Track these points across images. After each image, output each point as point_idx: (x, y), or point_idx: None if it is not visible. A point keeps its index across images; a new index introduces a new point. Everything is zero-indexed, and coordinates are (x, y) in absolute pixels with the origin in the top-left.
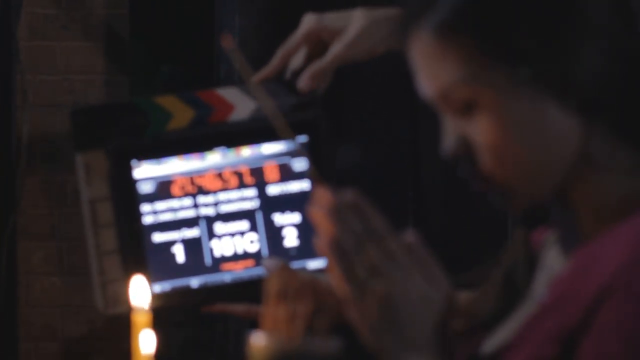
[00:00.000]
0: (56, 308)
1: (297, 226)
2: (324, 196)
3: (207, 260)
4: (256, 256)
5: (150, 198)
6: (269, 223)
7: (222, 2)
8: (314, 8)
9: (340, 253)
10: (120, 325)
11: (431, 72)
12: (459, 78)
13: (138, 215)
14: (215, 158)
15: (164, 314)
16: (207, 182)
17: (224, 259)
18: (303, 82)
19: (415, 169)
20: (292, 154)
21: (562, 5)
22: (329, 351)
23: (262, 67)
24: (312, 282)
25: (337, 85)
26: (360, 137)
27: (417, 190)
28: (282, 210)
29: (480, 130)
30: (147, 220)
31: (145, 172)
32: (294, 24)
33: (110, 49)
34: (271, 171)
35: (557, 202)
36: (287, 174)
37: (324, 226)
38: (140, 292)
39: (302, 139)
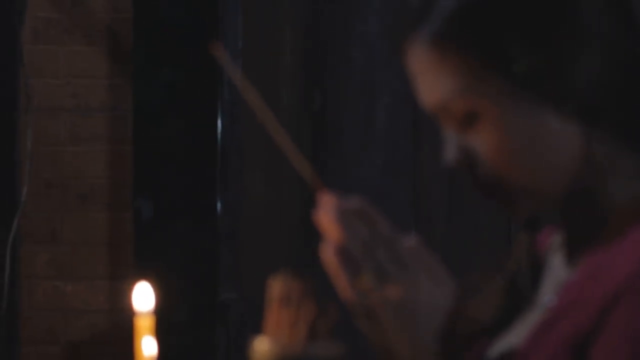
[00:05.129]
0: (58, 312)
1: None
2: (330, 202)
3: None
4: None
5: None
6: None
7: (225, 6)
8: (313, 10)
9: (347, 259)
10: (123, 329)
11: (429, 84)
12: (455, 90)
13: None
14: None
15: (165, 318)
16: None
17: None
18: None
19: (416, 174)
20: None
21: (556, 13)
22: (331, 355)
23: (265, 69)
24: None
25: (336, 91)
26: (360, 143)
27: (418, 196)
28: None
29: (481, 141)
30: None
31: None
32: (298, 27)
33: (114, 53)
34: None
35: (563, 208)
36: None
37: (331, 232)
38: (143, 297)
39: None
